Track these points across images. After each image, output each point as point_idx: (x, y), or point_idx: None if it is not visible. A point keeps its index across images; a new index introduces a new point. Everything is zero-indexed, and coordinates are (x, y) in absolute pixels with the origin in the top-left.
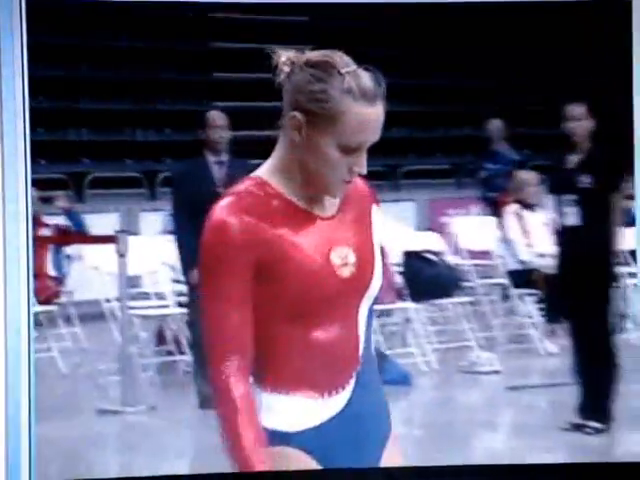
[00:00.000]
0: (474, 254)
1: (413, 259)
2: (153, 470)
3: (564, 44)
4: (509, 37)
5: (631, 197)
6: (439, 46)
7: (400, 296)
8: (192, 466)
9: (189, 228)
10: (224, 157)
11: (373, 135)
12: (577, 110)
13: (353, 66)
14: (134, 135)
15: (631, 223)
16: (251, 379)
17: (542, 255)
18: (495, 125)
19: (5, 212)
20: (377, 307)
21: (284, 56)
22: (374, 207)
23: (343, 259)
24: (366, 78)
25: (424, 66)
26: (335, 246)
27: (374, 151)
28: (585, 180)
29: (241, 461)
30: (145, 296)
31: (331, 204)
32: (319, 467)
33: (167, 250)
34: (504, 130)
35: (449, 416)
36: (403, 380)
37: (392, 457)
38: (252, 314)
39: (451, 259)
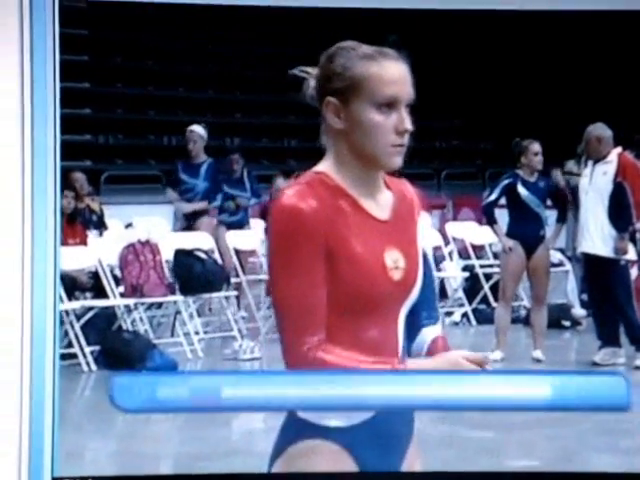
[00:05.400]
0: (242, 253)
1: (184, 256)
2: None
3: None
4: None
5: None
6: None
7: (170, 290)
8: None
9: None
10: None
11: (403, 89)
12: None
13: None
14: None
15: None
16: None
17: None
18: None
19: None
20: (147, 300)
21: (308, 73)
22: (421, 212)
23: (395, 262)
24: (385, 48)
25: None
26: (388, 249)
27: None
28: None
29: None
30: None
31: (385, 206)
32: (354, 464)
33: None
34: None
35: None
36: (169, 367)
37: (413, 459)
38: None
39: (218, 257)
